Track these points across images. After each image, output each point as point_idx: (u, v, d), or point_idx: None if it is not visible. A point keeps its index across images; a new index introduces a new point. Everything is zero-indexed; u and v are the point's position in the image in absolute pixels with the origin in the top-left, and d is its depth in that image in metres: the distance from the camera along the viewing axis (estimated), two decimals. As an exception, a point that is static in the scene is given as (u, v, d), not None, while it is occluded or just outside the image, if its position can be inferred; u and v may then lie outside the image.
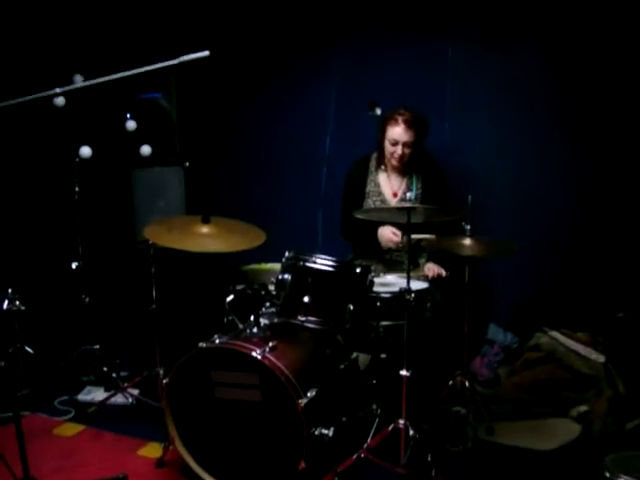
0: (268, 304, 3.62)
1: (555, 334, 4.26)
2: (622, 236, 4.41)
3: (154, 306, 3.92)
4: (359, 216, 3.51)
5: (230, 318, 3.73)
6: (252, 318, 3.46)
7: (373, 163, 4.29)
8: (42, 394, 4.21)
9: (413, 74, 4.84)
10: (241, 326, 3.56)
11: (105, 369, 4.37)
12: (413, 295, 3.16)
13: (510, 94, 4.66)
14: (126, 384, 4.12)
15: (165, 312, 3.99)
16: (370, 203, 4.22)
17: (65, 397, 4.23)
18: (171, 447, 3.27)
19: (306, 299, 3.24)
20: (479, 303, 4.15)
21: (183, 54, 1.91)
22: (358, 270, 3.29)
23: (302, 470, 2.89)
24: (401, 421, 3.16)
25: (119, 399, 4.11)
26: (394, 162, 4.12)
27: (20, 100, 1.95)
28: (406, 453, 3.16)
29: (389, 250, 4.17)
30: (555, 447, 3.59)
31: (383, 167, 4.25)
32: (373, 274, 3.41)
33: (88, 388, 4.40)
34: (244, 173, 5.55)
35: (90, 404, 4.12)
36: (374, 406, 3.54)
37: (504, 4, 4.57)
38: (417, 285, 3.56)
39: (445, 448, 3.52)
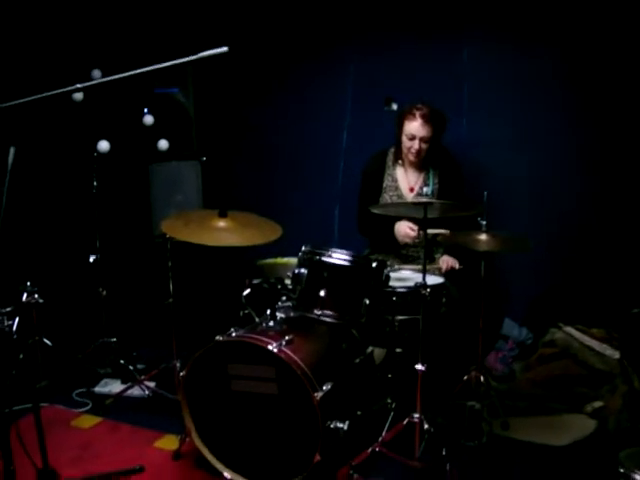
0: (284, 298, 3.62)
1: (570, 330, 4.26)
2: (637, 232, 4.40)
3: (171, 299, 3.93)
4: (375, 211, 3.50)
5: (246, 312, 3.74)
6: (268, 312, 3.48)
7: (390, 158, 4.29)
8: (60, 386, 4.26)
9: (430, 72, 4.83)
10: (257, 320, 3.58)
11: (122, 362, 4.40)
12: (429, 290, 3.16)
13: (526, 93, 4.64)
14: (143, 377, 4.16)
15: (182, 305, 4.01)
16: (387, 198, 4.23)
17: (83, 389, 4.26)
18: (187, 439, 3.30)
19: (322, 293, 3.25)
20: (494, 298, 4.15)
21: (200, 50, 1.91)
22: (374, 265, 3.29)
23: (317, 463, 2.90)
24: (416, 415, 3.17)
25: (136, 391, 4.14)
26: (411, 157, 4.12)
27: (42, 95, 1.97)
28: (420, 447, 3.16)
29: (405, 245, 4.18)
30: (570, 442, 3.59)
31: (400, 162, 4.25)
32: (389, 269, 3.42)
33: (105, 380, 4.44)
34: (261, 168, 5.56)
35: (107, 396, 4.17)
36: (389, 400, 3.55)
37: (517, 8, 4.56)
38: (433, 280, 3.57)
39: (460, 443, 3.53)
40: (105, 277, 4.49)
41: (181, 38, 5.20)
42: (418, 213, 3.22)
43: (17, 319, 2.55)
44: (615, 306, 4.31)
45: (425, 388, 3.17)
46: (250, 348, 3.05)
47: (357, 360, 3.52)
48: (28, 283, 2.95)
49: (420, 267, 3.28)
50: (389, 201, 4.20)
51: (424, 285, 3.16)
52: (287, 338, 3.09)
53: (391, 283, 3.47)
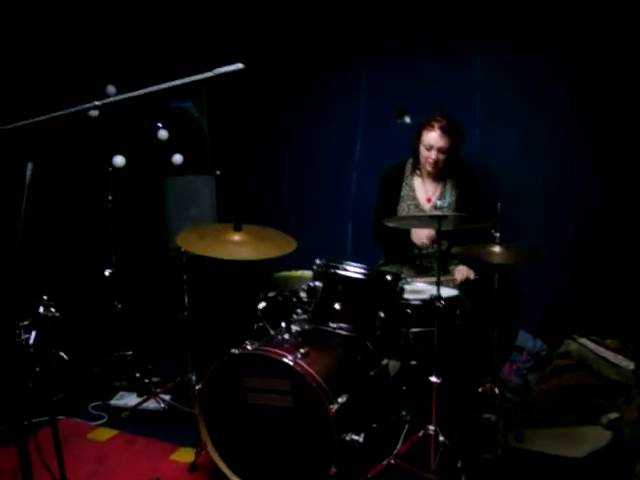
0: (299, 311, 3.65)
1: (584, 341, 4.25)
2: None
3: (186, 313, 3.96)
4: (391, 225, 3.54)
5: (261, 324, 3.75)
6: (283, 325, 3.49)
7: (408, 168, 4.32)
8: (76, 399, 4.28)
9: (443, 82, 4.85)
10: (272, 332, 3.60)
11: (138, 375, 4.41)
12: (443, 302, 3.18)
13: (538, 102, 4.66)
14: (158, 390, 4.16)
15: (197, 319, 4.03)
16: (404, 207, 4.26)
17: (98, 402, 4.28)
18: (203, 452, 3.31)
19: (337, 306, 3.27)
20: (508, 309, 4.15)
21: (214, 65, 1.91)
22: (389, 278, 3.31)
23: (333, 475, 2.91)
24: (431, 427, 3.17)
25: (151, 404, 4.16)
26: (428, 167, 4.14)
27: (60, 113, 1.99)
28: (436, 459, 3.16)
29: (420, 256, 4.20)
30: (585, 454, 3.57)
31: (418, 172, 4.28)
32: (403, 281, 3.43)
33: (121, 393, 4.46)
34: (275, 181, 5.59)
35: (123, 409, 4.18)
36: (404, 412, 3.55)
37: (529, 18, 4.57)
38: (447, 292, 3.58)
39: (475, 455, 3.52)
40: (120, 291, 4.51)
41: (194, 52, 5.24)
42: (433, 226, 3.23)
43: (34, 332, 2.56)
44: (630, 317, 4.30)
45: (440, 400, 3.17)
46: (266, 361, 3.06)
47: (372, 372, 3.52)
48: (45, 297, 2.98)
49: (434, 279, 3.29)
50: (406, 210, 4.23)
51: (438, 297, 3.17)
52: (302, 351, 3.10)
53: (405, 296, 3.47)
